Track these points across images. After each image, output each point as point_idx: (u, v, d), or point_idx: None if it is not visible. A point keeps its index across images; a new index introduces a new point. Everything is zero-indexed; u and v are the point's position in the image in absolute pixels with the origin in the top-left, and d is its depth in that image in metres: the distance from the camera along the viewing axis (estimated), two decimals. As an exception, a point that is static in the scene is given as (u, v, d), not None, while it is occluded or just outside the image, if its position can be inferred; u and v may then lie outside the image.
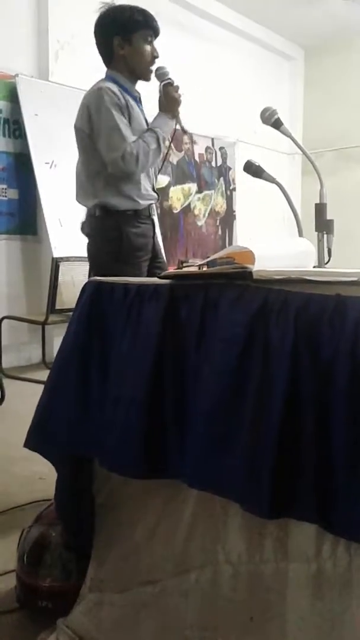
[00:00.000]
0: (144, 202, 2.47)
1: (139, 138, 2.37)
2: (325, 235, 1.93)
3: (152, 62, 2.46)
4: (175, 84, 2.46)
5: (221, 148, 6.86)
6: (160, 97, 2.48)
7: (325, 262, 1.90)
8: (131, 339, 1.30)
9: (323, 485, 1.01)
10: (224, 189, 7.00)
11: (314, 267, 1.65)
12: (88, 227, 2.53)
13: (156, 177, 2.61)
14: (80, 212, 5.10)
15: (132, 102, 2.43)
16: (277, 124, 2.04)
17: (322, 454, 1.01)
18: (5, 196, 4.77)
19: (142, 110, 2.52)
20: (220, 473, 1.12)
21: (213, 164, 6.82)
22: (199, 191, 6.61)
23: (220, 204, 6.95)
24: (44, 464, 1.54)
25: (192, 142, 2.46)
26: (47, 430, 1.42)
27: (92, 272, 2.50)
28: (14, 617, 1.52)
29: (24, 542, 1.55)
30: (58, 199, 4.78)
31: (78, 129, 2.44)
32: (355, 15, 6.66)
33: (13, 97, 4.72)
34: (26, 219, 4.91)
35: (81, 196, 2.53)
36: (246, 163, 2.16)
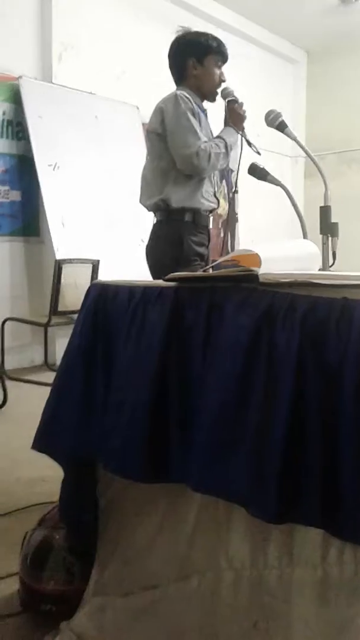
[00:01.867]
0: (204, 202, 2.58)
1: (209, 141, 2.53)
2: (330, 238, 1.92)
3: (219, 85, 2.65)
4: (239, 101, 2.66)
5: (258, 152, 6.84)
6: (225, 113, 2.66)
7: (330, 265, 1.89)
8: (136, 341, 1.29)
9: (329, 489, 1.00)
10: (226, 191, 6.98)
11: (319, 269, 1.64)
12: (151, 233, 2.65)
13: (218, 187, 2.77)
14: (83, 215, 5.11)
15: (201, 113, 2.61)
16: (281, 127, 2.04)
17: (328, 458, 1.00)
18: (8, 198, 4.77)
19: (208, 124, 2.68)
20: (225, 477, 1.11)
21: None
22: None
23: (222, 207, 6.94)
24: (47, 466, 1.53)
25: (255, 150, 2.59)
26: (53, 432, 1.42)
27: (153, 276, 2.57)
28: (17, 620, 1.51)
29: (28, 545, 1.54)
30: (61, 201, 4.79)
31: (150, 132, 2.59)
32: (358, 19, 6.66)
33: (16, 99, 4.73)
34: (29, 220, 4.91)
35: (145, 195, 2.64)
36: (251, 166, 2.16)
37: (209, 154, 2.45)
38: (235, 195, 7.61)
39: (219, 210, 7.35)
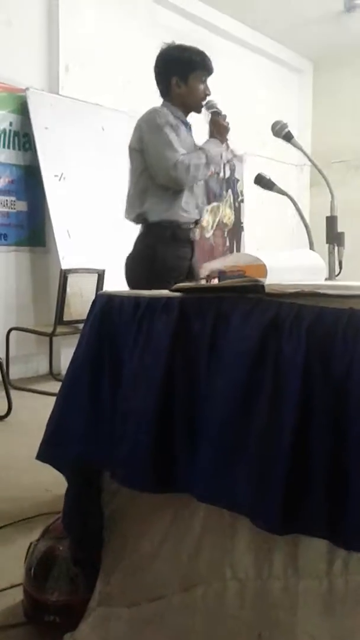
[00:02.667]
0: (183, 215, 2.57)
1: (188, 153, 2.53)
2: (336, 248, 1.93)
3: (204, 99, 2.64)
4: (223, 113, 2.66)
5: (229, 160, 6.88)
6: (209, 125, 2.68)
7: (336, 274, 1.89)
8: (142, 352, 1.29)
9: (334, 500, 1.00)
10: (232, 200, 7.01)
11: (325, 279, 1.64)
12: (133, 245, 2.67)
13: (205, 202, 2.77)
14: (89, 225, 5.13)
15: (182, 127, 2.62)
16: (288, 137, 2.05)
17: (333, 469, 1.00)
18: (14, 208, 4.79)
19: (192, 137, 2.69)
20: (230, 487, 1.11)
21: (221, 175, 6.84)
22: (207, 203, 6.63)
23: (228, 216, 6.96)
24: (51, 475, 1.53)
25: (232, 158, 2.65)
26: (59, 442, 1.42)
27: (130, 287, 2.57)
28: (21, 631, 1.51)
29: (32, 556, 1.54)
30: (67, 211, 4.80)
31: (131, 149, 2.61)
32: (363, 29, 6.69)
33: (23, 110, 4.76)
34: (35, 230, 4.93)
35: (128, 210, 2.68)
36: (257, 176, 2.17)
37: (188, 165, 2.45)
38: (241, 204, 7.64)
39: (225, 220, 7.39)
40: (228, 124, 2.67)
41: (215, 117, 2.66)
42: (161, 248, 2.53)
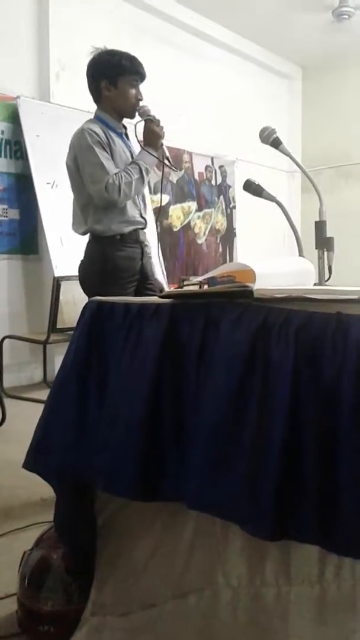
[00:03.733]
0: (127, 228, 2.63)
1: (121, 170, 2.54)
2: (325, 253, 1.93)
3: (137, 104, 2.65)
4: (156, 118, 2.65)
5: (221, 166, 6.90)
6: (143, 133, 2.67)
7: (326, 279, 1.90)
8: (131, 358, 1.29)
9: (325, 505, 1.00)
10: (224, 207, 7.03)
11: (315, 284, 1.64)
12: (84, 252, 2.73)
13: (144, 205, 2.78)
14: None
15: (116, 139, 2.63)
16: (275, 143, 2.05)
17: (324, 474, 1.00)
18: (7, 216, 4.78)
19: (127, 145, 2.71)
20: (220, 495, 1.10)
21: (213, 182, 6.85)
22: (199, 209, 6.65)
23: (220, 222, 6.98)
24: (46, 484, 1.52)
25: (171, 167, 2.62)
26: (45, 450, 1.40)
27: (84, 292, 2.66)
28: (15, 642, 1.50)
29: (25, 565, 1.53)
30: (59, 219, 4.79)
31: (68, 167, 2.66)
32: (352, 34, 6.74)
33: (14, 118, 4.76)
34: (27, 238, 4.93)
35: (75, 224, 2.75)
36: (246, 182, 2.18)
37: (118, 186, 2.48)
38: (233, 210, 7.65)
39: (217, 226, 7.41)
40: (162, 128, 2.65)
41: (149, 123, 2.65)
42: (110, 250, 2.60)
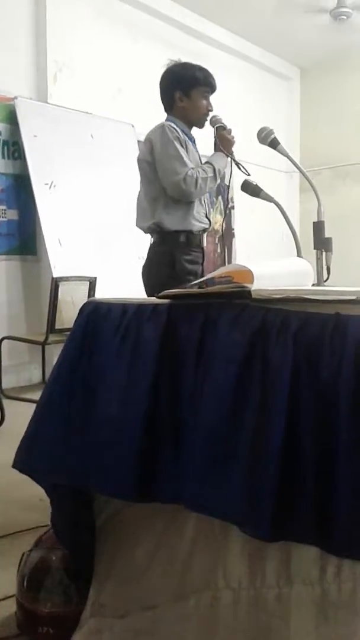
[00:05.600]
0: (195, 224, 2.71)
1: (197, 167, 2.66)
2: (324, 253, 1.93)
3: (207, 114, 2.79)
4: (227, 127, 2.80)
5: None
6: (215, 139, 2.79)
7: (325, 279, 1.90)
8: (128, 358, 1.28)
9: (324, 506, 1.00)
10: (222, 207, 7.03)
11: (313, 285, 1.64)
12: (147, 254, 2.78)
13: (211, 208, 2.90)
14: (80, 233, 5.13)
15: (189, 142, 2.75)
16: (273, 144, 2.05)
17: (323, 475, 0.99)
18: (5, 217, 4.78)
19: (197, 151, 2.82)
20: (219, 496, 1.10)
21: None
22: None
23: (218, 222, 6.98)
24: (45, 486, 1.52)
25: (244, 172, 2.73)
26: (35, 451, 1.38)
27: (147, 294, 2.65)
28: (14, 644, 1.49)
29: (24, 566, 1.53)
30: (57, 219, 4.80)
31: (141, 161, 2.74)
32: (350, 34, 6.74)
33: (12, 119, 4.76)
34: (26, 239, 4.92)
35: (140, 219, 2.79)
36: (244, 182, 2.18)
37: (196, 179, 2.57)
38: (232, 211, 7.65)
39: (216, 226, 7.41)
40: (233, 137, 2.78)
41: (221, 131, 2.77)
42: (178, 253, 2.65)
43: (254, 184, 2.16)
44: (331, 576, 1.08)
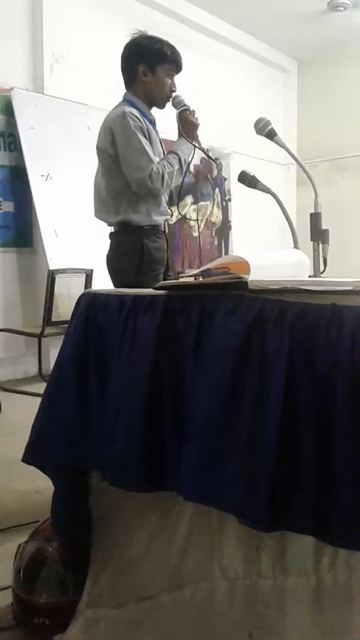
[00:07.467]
0: (160, 218, 2.58)
1: (162, 160, 2.49)
2: (320, 245, 1.93)
3: (170, 95, 2.59)
4: (191, 109, 2.59)
5: (216, 159, 6.88)
6: (178, 123, 2.60)
7: (321, 271, 1.90)
8: (127, 350, 1.29)
9: (320, 496, 1.00)
10: (219, 199, 7.02)
11: (310, 276, 1.64)
12: (111, 242, 2.63)
13: (178, 197, 2.75)
14: (76, 224, 5.10)
15: (150, 126, 2.55)
16: (270, 135, 2.04)
17: (319, 465, 0.99)
18: (1, 209, 4.77)
19: (157, 134, 2.64)
20: (216, 486, 1.10)
21: (208, 175, 6.84)
22: (195, 202, 6.64)
23: (216, 215, 6.97)
24: (42, 478, 1.52)
25: (210, 158, 2.57)
26: (44, 444, 1.40)
27: (114, 283, 2.57)
28: (10, 634, 1.50)
29: (20, 557, 1.53)
30: (54, 211, 4.79)
31: (101, 149, 2.55)
32: (347, 26, 6.72)
33: (8, 110, 4.74)
34: (22, 231, 4.91)
35: (102, 212, 2.63)
36: (241, 174, 2.17)
37: (162, 175, 2.43)
38: (229, 203, 7.62)
39: (213, 219, 7.37)
40: (197, 119, 2.59)
41: (184, 113, 2.57)
42: (147, 242, 2.52)
43: (251, 175, 2.14)
44: (326, 566, 1.09)
